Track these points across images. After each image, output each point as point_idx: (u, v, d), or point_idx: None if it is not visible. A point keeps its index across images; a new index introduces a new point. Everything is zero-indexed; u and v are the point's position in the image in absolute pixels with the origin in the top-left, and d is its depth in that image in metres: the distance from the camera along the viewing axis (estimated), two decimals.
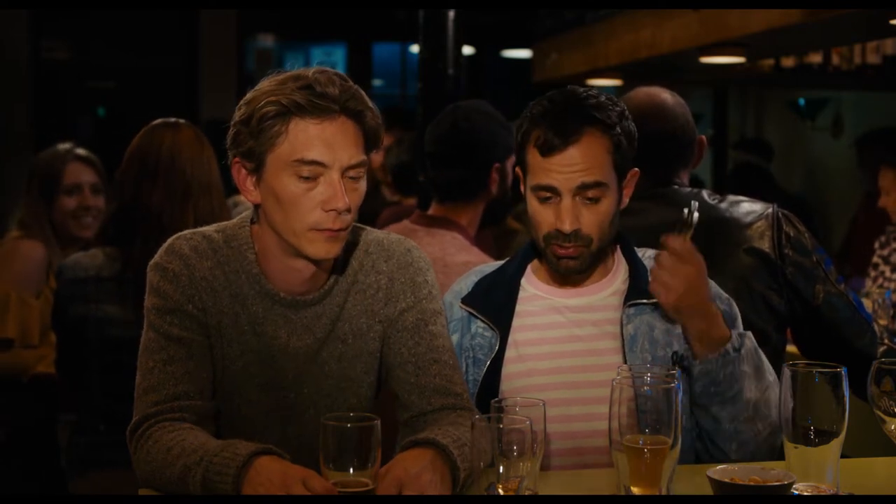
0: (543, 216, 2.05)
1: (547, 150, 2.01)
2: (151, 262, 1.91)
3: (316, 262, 1.90)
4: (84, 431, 2.81)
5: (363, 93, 1.86)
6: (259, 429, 1.90)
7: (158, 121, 2.89)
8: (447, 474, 1.71)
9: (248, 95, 1.85)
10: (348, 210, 1.82)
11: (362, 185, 1.87)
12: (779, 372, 1.79)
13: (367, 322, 1.97)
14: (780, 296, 2.44)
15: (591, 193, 2.02)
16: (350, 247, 1.98)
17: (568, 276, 2.12)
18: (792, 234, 2.46)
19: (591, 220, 2.03)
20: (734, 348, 1.99)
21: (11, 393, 3.29)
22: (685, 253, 1.99)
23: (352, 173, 1.83)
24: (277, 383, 1.92)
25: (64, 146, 3.52)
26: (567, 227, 2.02)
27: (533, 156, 2.05)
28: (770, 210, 2.48)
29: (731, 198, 2.54)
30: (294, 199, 1.81)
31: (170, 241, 1.92)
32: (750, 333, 2.06)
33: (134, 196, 2.77)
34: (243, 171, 1.87)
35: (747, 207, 2.50)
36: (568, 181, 2.01)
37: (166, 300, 1.87)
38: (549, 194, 2.03)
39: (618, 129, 2.04)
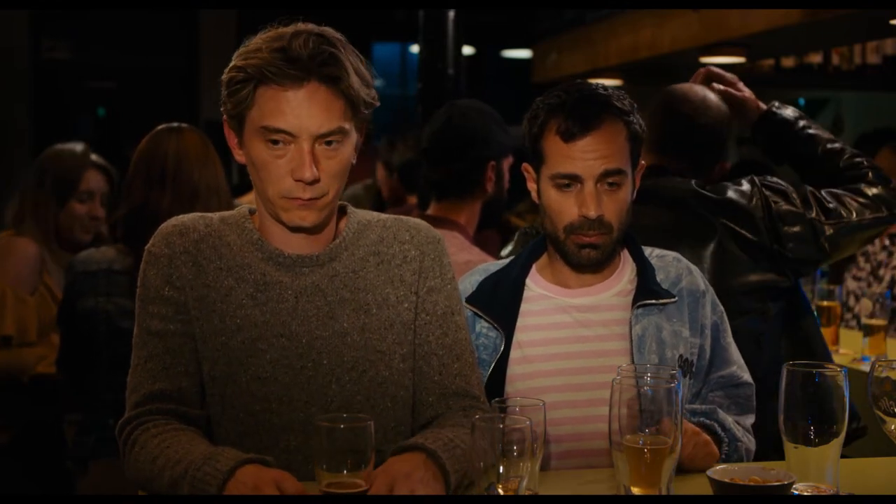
0: (564, 205, 2.04)
1: (569, 137, 2.02)
2: None
3: (307, 230, 1.84)
4: (91, 429, 2.81)
5: (347, 53, 1.77)
6: (277, 410, 1.81)
7: (163, 126, 2.90)
8: (438, 475, 1.69)
9: (238, 50, 1.81)
10: (316, 180, 1.75)
11: (343, 152, 1.78)
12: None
13: (395, 292, 1.89)
14: (781, 273, 2.53)
15: (611, 180, 2.03)
16: (366, 222, 1.93)
17: (582, 270, 2.11)
18: (783, 207, 2.53)
19: (612, 207, 2.04)
20: (727, 456, 2.00)
21: (12, 394, 3.29)
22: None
23: (330, 140, 1.76)
24: (291, 352, 1.82)
25: (78, 147, 3.49)
26: (593, 212, 2.01)
27: (552, 143, 2.04)
28: (755, 191, 2.54)
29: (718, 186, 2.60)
30: (265, 165, 1.76)
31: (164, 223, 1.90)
32: (739, 437, 2.04)
33: (143, 201, 2.79)
34: (230, 130, 1.84)
35: (732, 194, 2.55)
36: (591, 168, 2.01)
37: (147, 289, 1.84)
38: (568, 182, 2.03)
39: (632, 117, 2.06)
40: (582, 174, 2.01)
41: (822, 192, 2.57)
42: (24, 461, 3.30)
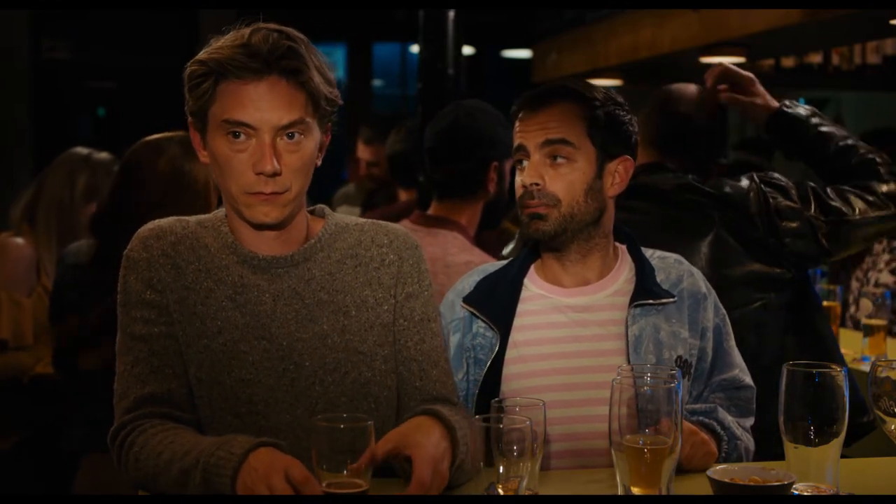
0: (517, 182, 2.11)
1: (520, 116, 2.10)
2: None
3: (271, 227, 1.83)
4: (81, 424, 2.81)
5: (308, 50, 1.79)
6: (263, 412, 1.82)
7: (151, 137, 2.87)
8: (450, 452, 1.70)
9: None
10: (277, 173, 1.75)
11: (306, 147, 1.79)
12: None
13: (373, 294, 1.90)
14: (780, 266, 2.52)
15: (557, 152, 2.06)
16: (343, 225, 1.94)
17: (547, 249, 2.12)
18: (782, 203, 2.52)
19: (558, 181, 2.06)
20: (724, 458, 2.00)
21: (11, 396, 3.29)
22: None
23: (291, 132, 1.77)
24: (272, 354, 1.83)
25: (104, 154, 3.51)
26: (528, 179, 2.06)
27: (515, 126, 2.12)
28: (753, 186, 2.54)
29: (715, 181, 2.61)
30: (227, 160, 1.77)
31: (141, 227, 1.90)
32: (735, 433, 2.05)
33: (130, 210, 2.76)
34: (194, 130, 1.85)
35: (730, 189, 2.56)
36: (534, 137, 2.07)
37: (127, 294, 1.84)
38: (523, 158, 2.09)
39: (597, 102, 2.08)
40: (526, 144, 2.08)
41: (828, 190, 2.58)
42: (32, 462, 3.30)
